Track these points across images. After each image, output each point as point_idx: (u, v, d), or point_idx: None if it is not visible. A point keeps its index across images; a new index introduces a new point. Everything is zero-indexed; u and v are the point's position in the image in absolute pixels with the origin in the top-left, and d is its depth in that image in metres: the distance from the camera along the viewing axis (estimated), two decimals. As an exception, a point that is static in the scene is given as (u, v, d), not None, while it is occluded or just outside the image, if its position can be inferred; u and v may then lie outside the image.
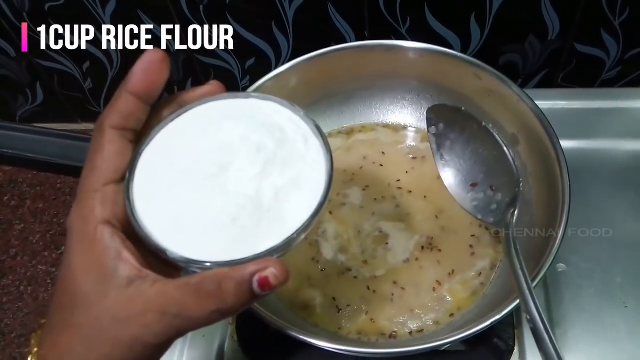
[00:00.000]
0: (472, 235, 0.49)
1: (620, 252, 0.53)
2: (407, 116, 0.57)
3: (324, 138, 0.30)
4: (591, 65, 0.70)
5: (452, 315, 0.46)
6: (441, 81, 0.53)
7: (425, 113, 0.55)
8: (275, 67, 0.52)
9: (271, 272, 0.25)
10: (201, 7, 0.69)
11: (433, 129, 0.50)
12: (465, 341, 0.47)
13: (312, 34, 0.71)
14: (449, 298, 0.46)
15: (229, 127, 0.30)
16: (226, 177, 0.28)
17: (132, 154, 0.29)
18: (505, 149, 0.46)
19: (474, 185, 0.47)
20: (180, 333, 0.27)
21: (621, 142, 0.62)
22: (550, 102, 0.62)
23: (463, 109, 0.49)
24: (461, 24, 0.67)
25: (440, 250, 0.49)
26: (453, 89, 0.53)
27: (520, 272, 0.37)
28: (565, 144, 0.45)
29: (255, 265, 0.26)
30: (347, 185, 0.53)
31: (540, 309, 0.35)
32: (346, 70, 0.54)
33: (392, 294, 0.47)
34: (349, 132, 0.57)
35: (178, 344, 0.51)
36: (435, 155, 0.50)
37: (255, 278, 0.25)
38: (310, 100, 0.55)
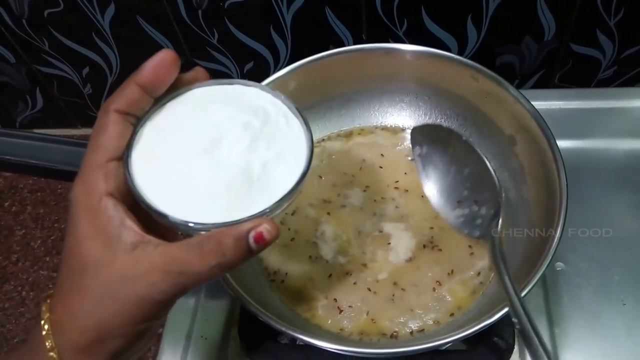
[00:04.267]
0: (471, 236, 0.50)
1: (619, 250, 0.53)
2: (405, 118, 0.58)
3: (303, 118, 0.33)
4: (587, 65, 0.71)
5: (452, 314, 0.46)
6: (438, 83, 0.54)
7: (422, 115, 0.56)
8: (274, 71, 0.52)
9: (265, 227, 0.29)
10: (200, 11, 0.70)
11: (417, 150, 0.52)
12: (466, 340, 0.48)
13: (310, 37, 0.72)
14: (448, 298, 0.47)
15: (217, 108, 0.33)
16: (218, 151, 0.31)
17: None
18: (486, 162, 0.48)
19: (460, 202, 0.49)
20: (184, 289, 0.29)
21: (618, 141, 0.62)
22: (547, 102, 0.62)
23: (444, 126, 0.51)
24: (458, 26, 0.68)
25: (440, 250, 0.49)
26: (450, 91, 0.53)
27: (506, 278, 0.39)
28: (563, 143, 0.46)
29: (251, 223, 0.29)
30: (347, 186, 0.54)
31: (531, 316, 0.36)
32: (344, 73, 0.55)
33: (393, 295, 0.47)
34: (348, 134, 0.58)
35: (181, 345, 0.51)
36: (421, 175, 0.51)
37: (252, 234, 0.28)
38: (309, 103, 0.55)
